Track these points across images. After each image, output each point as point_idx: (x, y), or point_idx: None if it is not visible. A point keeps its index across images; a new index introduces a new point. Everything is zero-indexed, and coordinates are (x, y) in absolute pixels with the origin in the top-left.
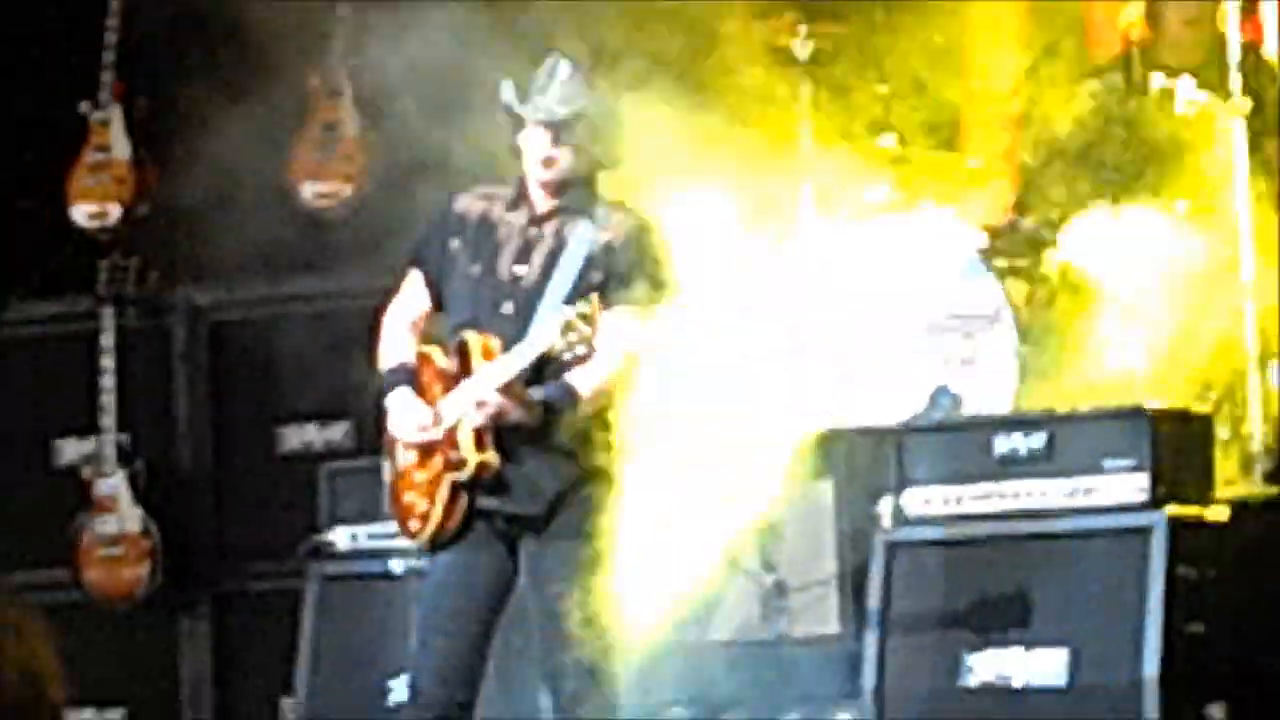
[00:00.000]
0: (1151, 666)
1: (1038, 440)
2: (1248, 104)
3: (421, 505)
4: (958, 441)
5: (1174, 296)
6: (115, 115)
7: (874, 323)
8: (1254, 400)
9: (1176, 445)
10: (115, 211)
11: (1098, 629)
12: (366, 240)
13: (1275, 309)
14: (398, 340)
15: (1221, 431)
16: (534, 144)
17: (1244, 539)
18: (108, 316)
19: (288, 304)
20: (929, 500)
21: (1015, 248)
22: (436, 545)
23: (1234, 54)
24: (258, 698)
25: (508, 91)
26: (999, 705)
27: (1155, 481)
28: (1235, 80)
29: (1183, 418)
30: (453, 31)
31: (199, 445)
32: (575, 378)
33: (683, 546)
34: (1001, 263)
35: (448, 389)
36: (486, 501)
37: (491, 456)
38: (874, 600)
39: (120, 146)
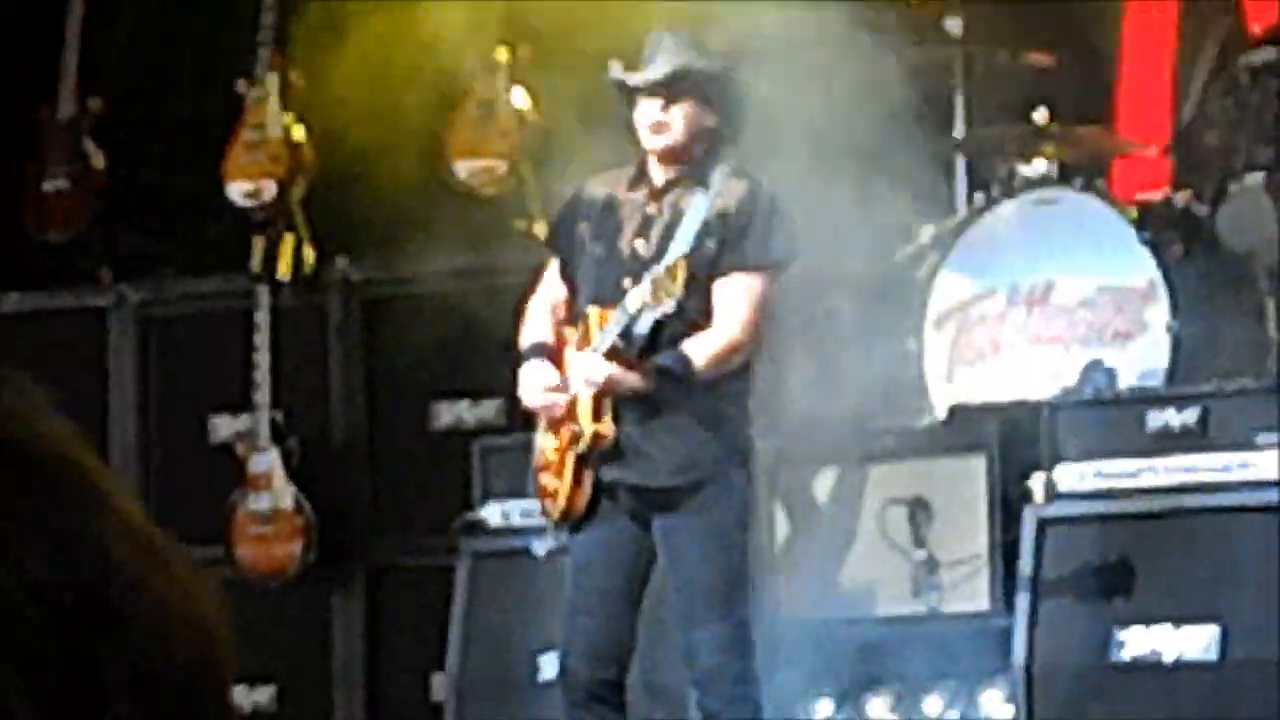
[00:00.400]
0: None
1: (1191, 415)
2: None
3: (553, 484)
4: (1110, 416)
5: None
6: (271, 93)
7: (1029, 297)
8: None
9: None
10: (271, 189)
11: (1248, 605)
12: (520, 218)
13: None
14: (536, 323)
15: None
16: (644, 114)
17: None
18: (263, 294)
19: (442, 281)
20: (1081, 475)
21: (1170, 222)
22: (570, 523)
23: None
24: (410, 674)
25: (616, 69)
26: (1149, 680)
27: None
28: None
29: None
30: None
31: (353, 422)
32: (690, 345)
33: (835, 522)
34: (1155, 237)
35: None
36: (609, 473)
37: (607, 427)
38: (1025, 576)
39: (275, 124)
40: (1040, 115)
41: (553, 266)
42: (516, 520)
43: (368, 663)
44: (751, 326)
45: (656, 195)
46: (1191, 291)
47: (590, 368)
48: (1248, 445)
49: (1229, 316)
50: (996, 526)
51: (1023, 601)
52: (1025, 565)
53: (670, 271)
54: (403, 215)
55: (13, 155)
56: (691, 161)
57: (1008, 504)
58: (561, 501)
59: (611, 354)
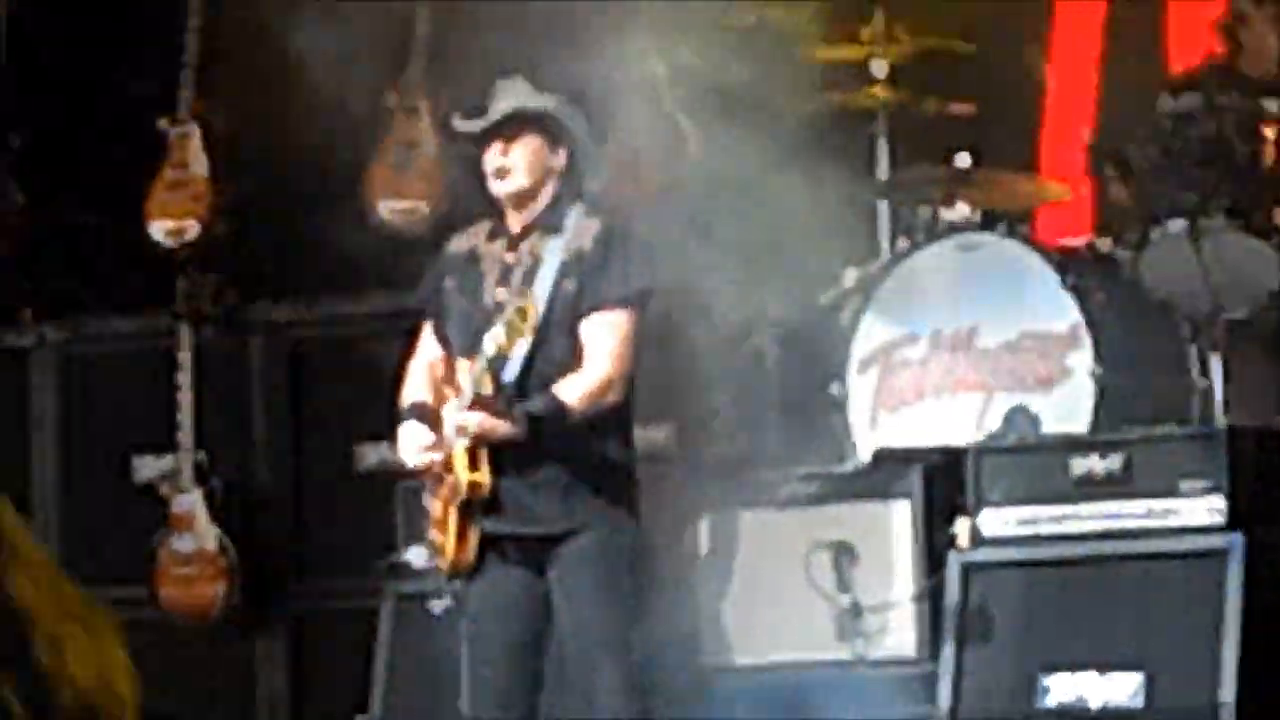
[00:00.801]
0: (1227, 690)
1: (1114, 461)
2: None
3: (439, 539)
4: (1034, 462)
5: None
6: (194, 132)
7: (953, 341)
8: None
9: (1255, 465)
10: (194, 228)
11: (1174, 652)
12: None
13: None
14: (412, 384)
15: None
16: (488, 161)
17: None
18: (185, 334)
19: (366, 322)
20: (1005, 521)
21: (1093, 268)
22: (459, 576)
23: None
24: (334, 716)
25: (457, 120)
26: None
27: (1232, 503)
28: None
29: (1261, 437)
30: (533, 46)
31: (276, 463)
32: (559, 387)
33: (759, 567)
34: (1079, 282)
35: None
36: (491, 524)
37: (483, 476)
38: (949, 621)
39: (198, 163)
40: (963, 159)
41: (427, 327)
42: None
43: (291, 705)
44: (619, 361)
45: (513, 243)
46: (1115, 337)
47: (458, 418)
48: (1172, 492)
49: (1152, 363)
50: (921, 572)
51: (948, 647)
52: (950, 611)
53: (520, 312)
54: (326, 256)
55: None
56: (543, 205)
57: (932, 549)
58: (449, 556)
59: (479, 403)
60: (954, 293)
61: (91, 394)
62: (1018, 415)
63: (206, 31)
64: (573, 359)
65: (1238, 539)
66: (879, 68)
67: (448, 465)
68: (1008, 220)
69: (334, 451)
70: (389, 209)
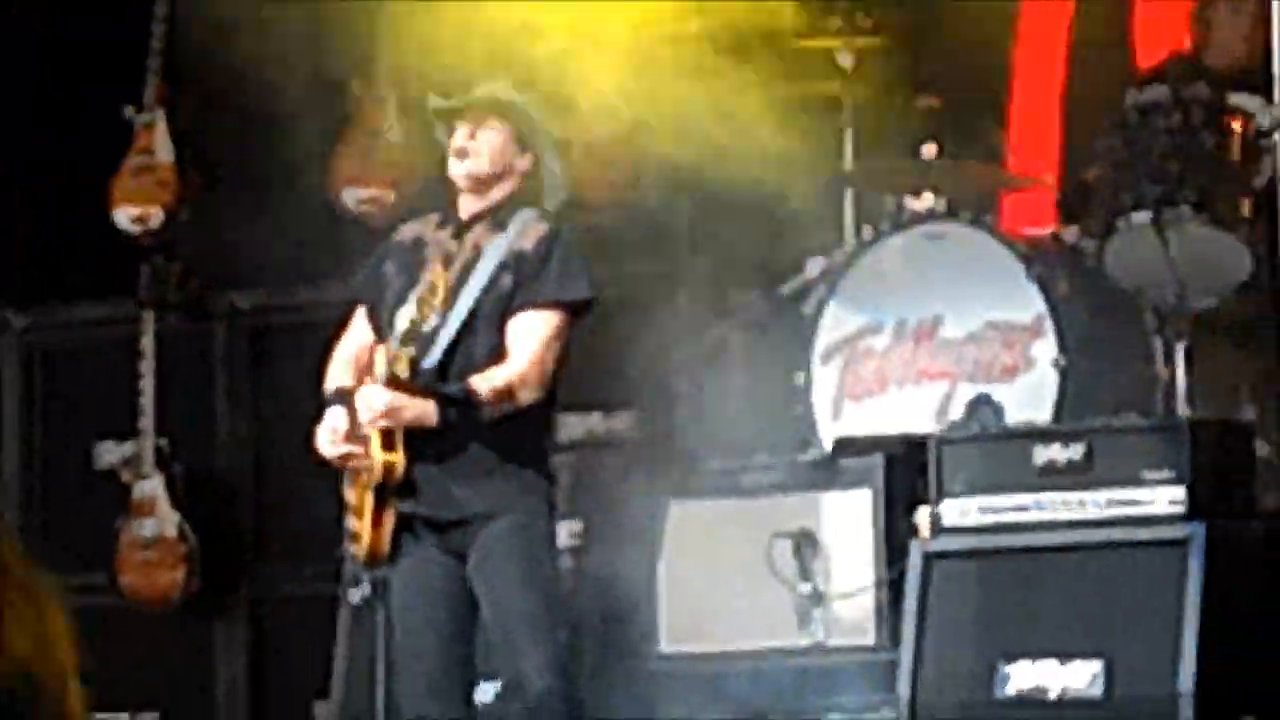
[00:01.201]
0: (1187, 680)
1: (1076, 451)
2: None
3: (355, 526)
4: (997, 451)
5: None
6: (159, 119)
7: (917, 331)
8: None
9: (1216, 457)
10: (158, 215)
11: (1134, 641)
12: None
13: None
14: (335, 370)
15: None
16: (453, 141)
17: None
18: (148, 320)
19: (329, 309)
20: (966, 510)
21: (1057, 258)
22: (377, 562)
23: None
24: (293, 703)
25: (432, 98)
26: (1035, 716)
27: (1193, 493)
28: None
29: (1223, 429)
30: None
31: (238, 450)
32: (476, 378)
33: (721, 555)
34: (1043, 273)
35: None
36: (405, 506)
37: (397, 457)
38: (910, 610)
39: (164, 150)
40: (928, 149)
41: (360, 311)
42: None
43: (251, 690)
44: (538, 363)
45: (459, 232)
46: (1079, 327)
47: (370, 397)
48: (1134, 482)
49: (1116, 353)
50: (882, 561)
51: (908, 635)
52: (911, 599)
53: (432, 286)
54: (290, 243)
55: None
56: (496, 199)
57: (893, 538)
58: (365, 543)
59: (393, 383)
60: (919, 282)
61: (54, 380)
62: (981, 405)
63: (173, 19)
64: (497, 354)
65: (1199, 529)
66: (845, 58)
67: (365, 448)
68: (973, 210)
69: (296, 438)
70: (353, 196)
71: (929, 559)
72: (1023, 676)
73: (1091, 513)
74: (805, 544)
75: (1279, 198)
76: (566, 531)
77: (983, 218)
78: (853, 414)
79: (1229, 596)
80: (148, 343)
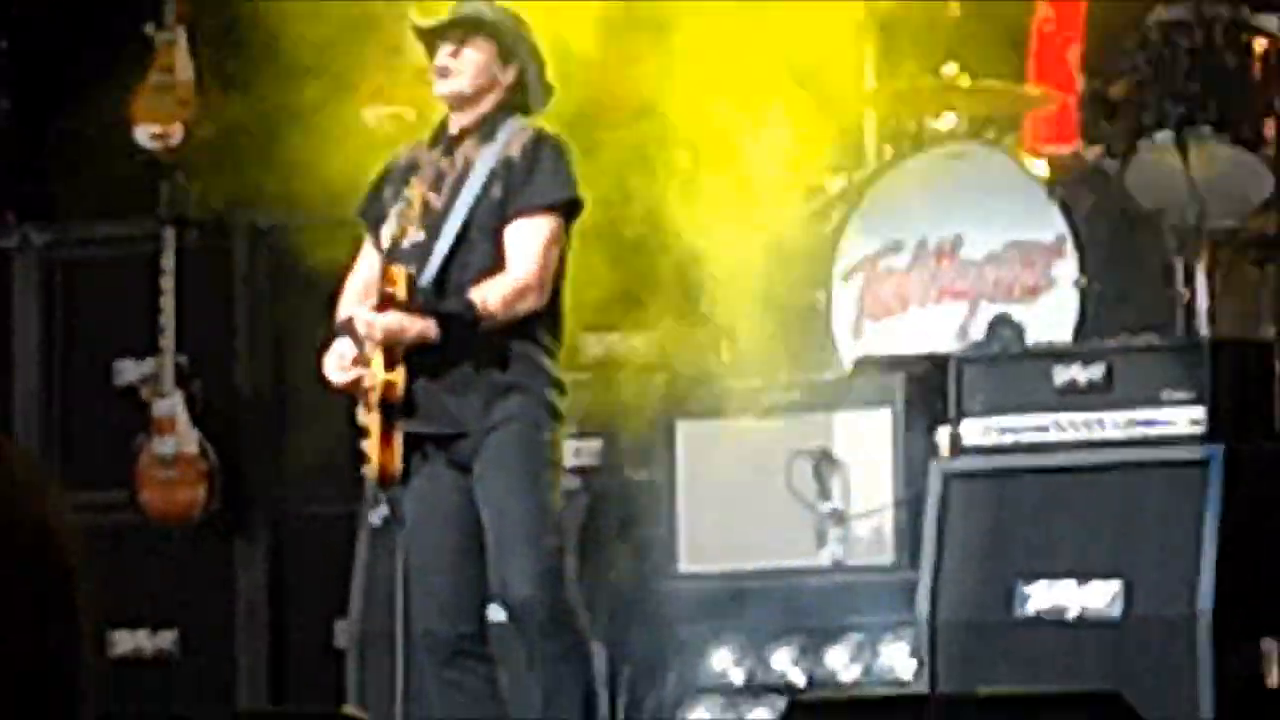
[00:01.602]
0: (1205, 600)
1: (1097, 371)
2: None
3: (366, 447)
4: (1017, 371)
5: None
6: (180, 36)
7: (937, 251)
8: None
9: (1237, 377)
10: (178, 133)
11: (1152, 561)
12: None
13: None
14: (347, 299)
15: None
16: (436, 58)
17: None
18: (169, 237)
19: (349, 227)
20: (986, 430)
21: (1079, 178)
22: (390, 484)
23: None
24: (312, 620)
25: (414, 17)
26: (1052, 636)
27: (1213, 414)
28: None
29: (1243, 349)
30: None
31: (257, 367)
32: (476, 290)
33: (740, 475)
34: (1065, 193)
35: None
36: (411, 425)
37: (398, 375)
38: (929, 530)
39: (184, 68)
40: (950, 69)
41: (368, 240)
42: None
43: (271, 608)
44: (540, 269)
45: (449, 148)
46: (1100, 248)
47: (366, 318)
48: (1154, 401)
49: (1137, 273)
50: (901, 480)
51: (927, 555)
52: (930, 519)
53: (409, 201)
54: (311, 162)
55: None
56: (483, 111)
57: (913, 458)
58: (375, 463)
59: (389, 302)
60: (939, 203)
61: (74, 297)
62: (1001, 325)
63: None
64: (494, 265)
65: (1218, 450)
66: None
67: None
68: (995, 130)
69: (315, 356)
70: (374, 115)
71: (948, 479)
72: (1041, 596)
73: (1111, 433)
74: (825, 463)
75: None
76: (586, 450)
77: (1005, 137)
78: (873, 333)
79: (1248, 517)
80: (168, 260)
